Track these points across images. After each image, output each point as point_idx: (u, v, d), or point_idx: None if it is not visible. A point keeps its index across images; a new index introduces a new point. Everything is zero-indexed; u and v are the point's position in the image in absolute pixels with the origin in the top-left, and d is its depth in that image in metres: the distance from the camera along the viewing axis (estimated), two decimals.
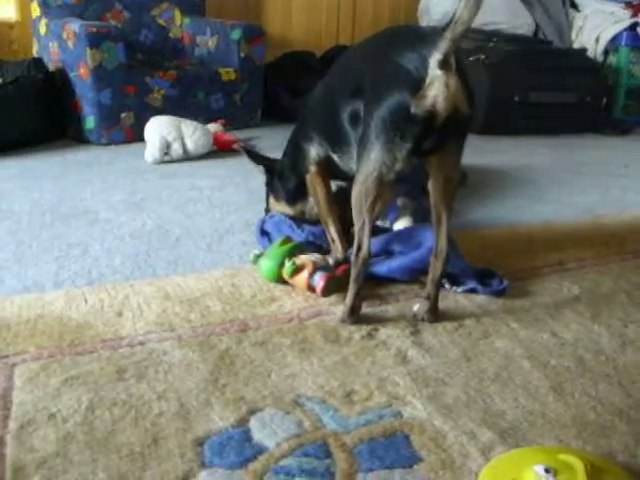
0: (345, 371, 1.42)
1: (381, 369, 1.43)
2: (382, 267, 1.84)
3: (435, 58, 1.40)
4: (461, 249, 1.90)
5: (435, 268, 1.66)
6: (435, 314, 1.66)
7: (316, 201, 1.96)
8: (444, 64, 1.40)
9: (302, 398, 1.31)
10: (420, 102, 1.42)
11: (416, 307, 1.67)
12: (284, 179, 2.08)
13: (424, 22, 5.06)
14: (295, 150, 1.97)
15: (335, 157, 1.81)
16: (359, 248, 1.59)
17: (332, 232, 1.93)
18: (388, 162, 1.49)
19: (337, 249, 1.91)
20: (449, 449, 1.18)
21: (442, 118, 1.44)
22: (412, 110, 1.42)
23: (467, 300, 1.78)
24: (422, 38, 1.47)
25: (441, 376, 1.41)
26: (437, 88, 1.41)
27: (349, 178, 1.68)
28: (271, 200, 2.17)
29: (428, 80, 1.41)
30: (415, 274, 1.85)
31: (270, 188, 2.18)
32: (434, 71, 1.41)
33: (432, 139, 1.49)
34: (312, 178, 1.93)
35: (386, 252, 1.91)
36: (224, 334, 1.56)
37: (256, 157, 2.22)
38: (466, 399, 1.33)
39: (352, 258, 1.61)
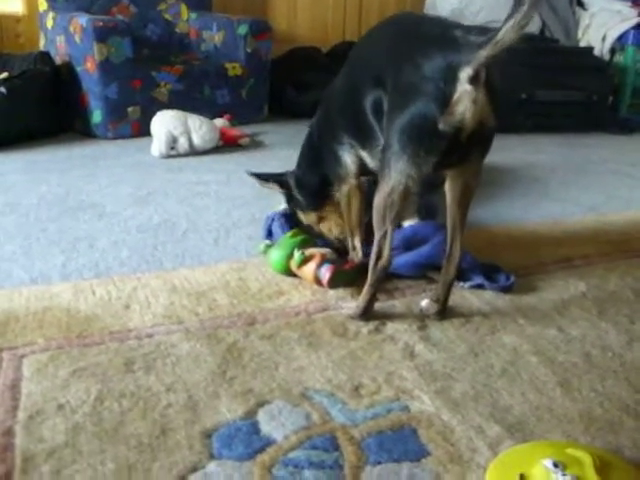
0: (353, 365, 1.42)
1: (389, 363, 1.43)
2: None
3: (466, 73, 1.33)
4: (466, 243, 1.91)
5: (447, 272, 1.64)
6: (443, 315, 1.66)
7: (347, 211, 1.90)
8: (474, 79, 1.34)
9: (310, 391, 1.32)
10: (447, 118, 1.36)
11: (424, 303, 1.67)
12: (303, 188, 1.98)
13: None
14: (328, 155, 1.86)
15: (364, 154, 1.74)
16: (379, 256, 1.57)
17: (356, 242, 1.92)
18: (414, 175, 1.45)
19: (357, 255, 1.91)
20: (457, 443, 1.18)
21: (468, 133, 1.39)
22: (439, 126, 1.37)
23: (474, 296, 1.78)
24: (453, 44, 1.38)
25: (448, 371, 1.41)
26: (465, 105, 1.35)
27: (375, 174, 1.64)
28: (300, 215, 2.05)
29: (456, 96, 1.35)
30: (421, 269, 1.85)
31: (293, 203, 2.06)
32: (463, 86, 1.34)
33: (457, 152, 1.45)
34: (351, 190, 1.86)
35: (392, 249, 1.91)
36: (232, 327, 1.56)
37: (264, 176, 2.09)
38: (474, 394, 1.33)
39: (370, 264, 1.60)
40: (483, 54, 1.31)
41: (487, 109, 1.39)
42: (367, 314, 1.63)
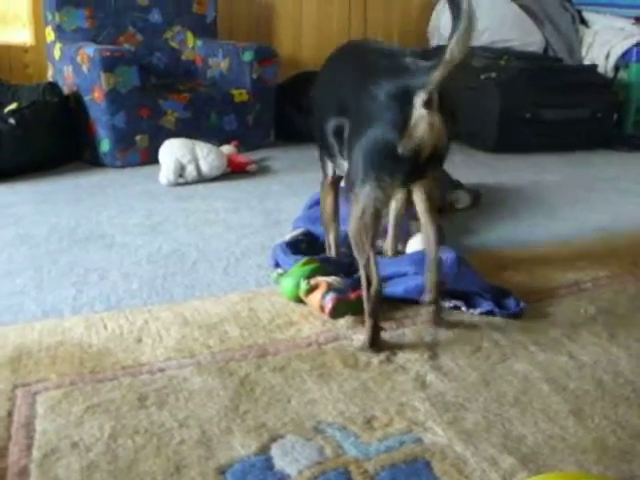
0: (365, 397, 1.42)
1: (400, 394, 1.44)
2: (398, 288, 1.85)
3: (420, 98, 1.43)
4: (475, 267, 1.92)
5: (433, 272, 1.71)
6: (438, 319, 1.74)
7: (323, 206, 2.05)
8: (428, 103, 1.43)
9: (323, 424, 1.32)
10: (406, 142, 1.46)
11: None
12: None
13: (434, 42, 5.09)
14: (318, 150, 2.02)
15: (326, 157, 1.93)
16: (369, 283, 1.60)
17: (331, 239, 2.05)
18: (381, 198, 1.55)
19: (331, 253, 2.05)
20: (471, 475, 1.18)
21: (426, 154, 1.48)
22: (399, 150, 1.46)
23: (484, 323, 1.78)
24: (406, 71, 1.49)
25: (460, 401, 1.42)
26: (422, 129, 1.45)
27: None
28: None
29: (413, 121, 1.44)
30: None
31: None
32: (419, 111, 1.44)
33: (417, 171, 1.55)
34: (326, 185, 2.01)
35: (400, 274, 1.92)
36: (243, 360, 1.57)
37: None
38: (486, 424, 1.33)
39: (364, 294, 1.61)
40: (437, 76, 1.40)
41: (442, 131, 1.48)
42: (376, 345, 1.63)
